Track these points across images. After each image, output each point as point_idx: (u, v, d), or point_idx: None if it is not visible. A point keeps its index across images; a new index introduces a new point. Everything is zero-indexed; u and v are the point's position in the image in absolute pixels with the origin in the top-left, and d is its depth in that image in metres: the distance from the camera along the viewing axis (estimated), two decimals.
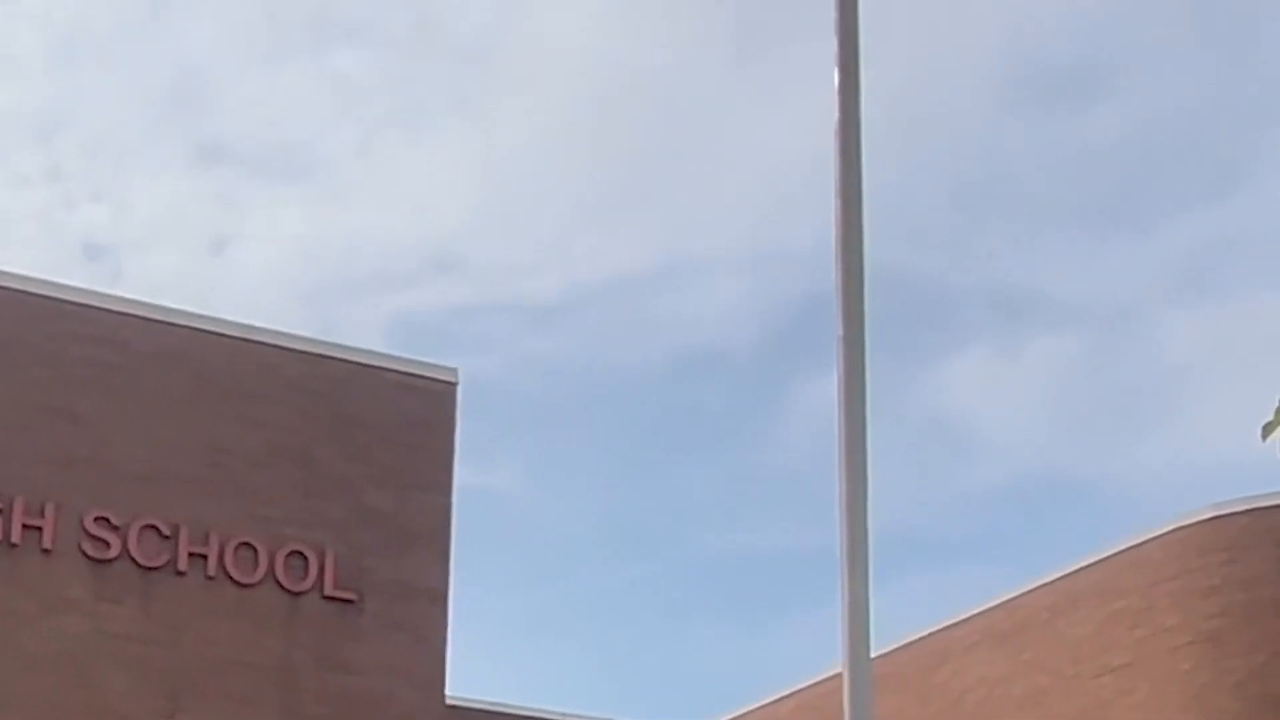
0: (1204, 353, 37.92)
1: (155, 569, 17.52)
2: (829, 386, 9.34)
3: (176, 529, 17.64)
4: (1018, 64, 36.56)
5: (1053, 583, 21.64)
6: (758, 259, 39.06)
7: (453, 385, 19.15)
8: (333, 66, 38.23)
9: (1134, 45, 36.12)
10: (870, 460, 9.22)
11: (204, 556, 17.68)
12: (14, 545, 17.07)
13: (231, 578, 17.75)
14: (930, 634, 23.21)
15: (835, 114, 10.18)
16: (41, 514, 17.21)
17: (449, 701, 18.48)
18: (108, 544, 17.40)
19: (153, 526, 17.59)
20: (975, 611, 22.59)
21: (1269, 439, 6.76)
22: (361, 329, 40.29)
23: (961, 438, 39.21)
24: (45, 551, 17.19)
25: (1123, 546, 20.98)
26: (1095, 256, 37.71)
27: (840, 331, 9.43)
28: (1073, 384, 39.13)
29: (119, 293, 18.58)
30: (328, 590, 18.08)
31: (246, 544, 17.87)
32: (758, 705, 25.25)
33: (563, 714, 19.88)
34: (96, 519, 17.41)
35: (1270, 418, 6.74)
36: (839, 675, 8.84)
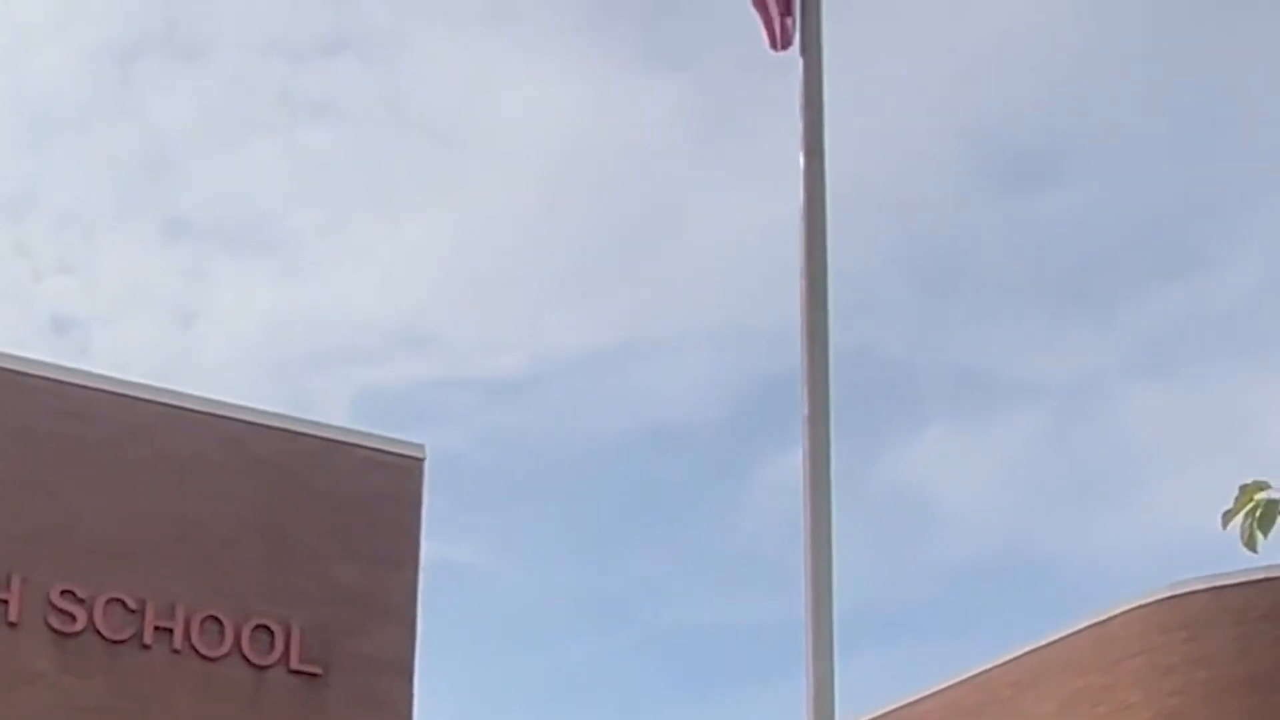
0: (1165, 431, 38.27)
1: (121, 642, 17.58)
2: (793, 462, 9.53)
3: (143, 602, 17.70)
4: (980, 147, 37.04)
5: (1016, 659, 21.81)
6: (722, 335, 39.36)
7: (420, 461, 19.29)
8: (301, 142, 38.52)
9: (1094, 129, 36.63)
10: (835, 536, 9.40)
11: (170, 630, 17.74)
12: None
13: (198, 651, 17.81)
14: (894, 710, 23.34)
15: (800, 196, 10.44)
16: (8, 587, 17.27)
17: None
18: (74, 617, 17.46)
19: (119, 600, 17.65)
20: (939, 688, 22.74)
21: (1229, 526, 6.87)
22: (329, 403, 40.44)
23: (926, 514, 39.44)
24: (11, 624, 17.24)
25: (1085, 624, 21.18)
26: (1057, 335, 38.11)
27: (805, 410, 9.63)
28: (1035, 461, 39.43)
29: (87, 367, 18.74)
30: (294, 664, 18.14)
31: (213, 618, 17.94)
32: None
33: None
34: (63, 592, 17.47)
35: (1230, 505, 6.85)
36: None
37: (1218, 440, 36.36)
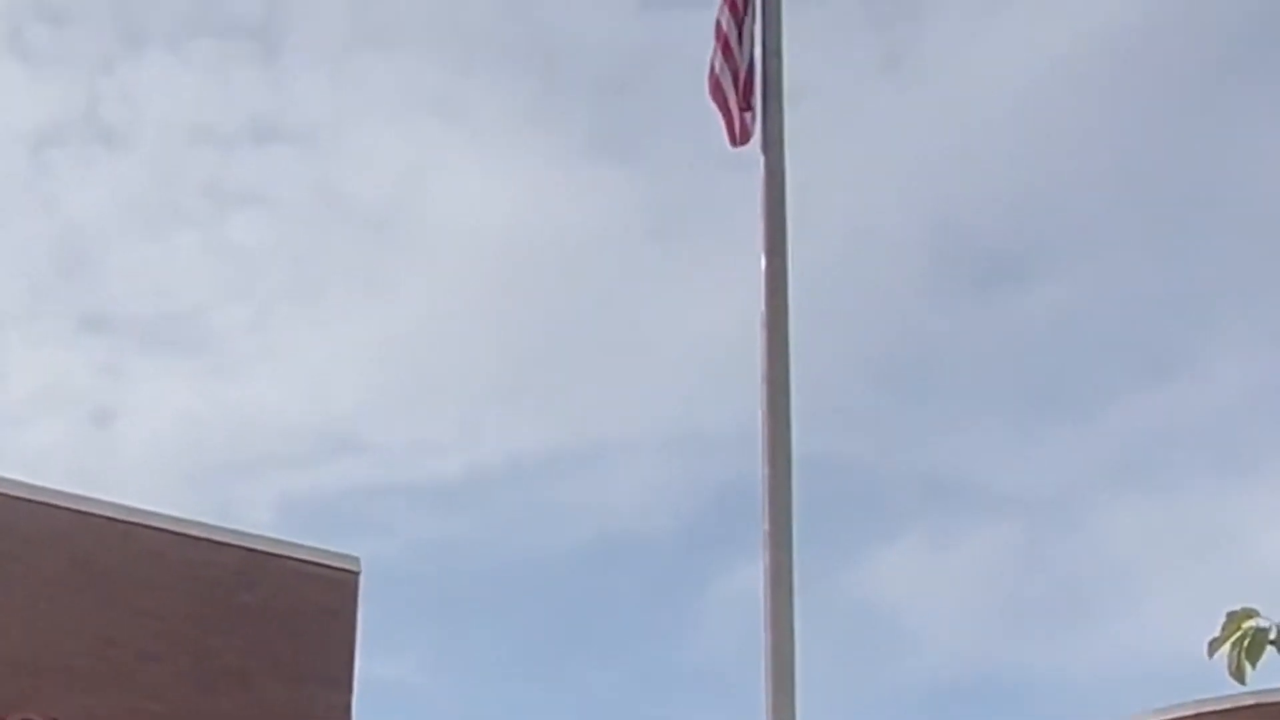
0: (1145, 545, 38.33)
1: None
2: (753, 575, 9.51)
3: None
4: (950, 244, 37.22)
5: None
6: (677, 441, 39.29)
7: (354, 573, 19.15)
8: (226, 235, 38.41)
9: (1067, 229, 36.87)
10: (797, 655, 9.36)
11: None
12: None
13: None
14: None
15: (761, 297, 10.46)
16: None
17: None
18: None
19: None
20: None
21: (1215, 655, 6.81)
22: (254, 511, 40.08)
23: (893, 631, 39.32)
24: None
25: None
26: (1030, 444, 38.19)
27: (766, 523, 9.62)
28: (1008, 576, 39.41)
29: None
30: None
31: None
32: None
33: None
34: None
35: (1216, 630, 6.80)
36: None
37: (1201, 555, 36.45)
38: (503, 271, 37.14)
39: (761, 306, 10.46)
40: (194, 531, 18.77)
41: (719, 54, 11.52)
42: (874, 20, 30.76)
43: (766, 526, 9.58)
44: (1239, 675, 6.74)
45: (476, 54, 35.73)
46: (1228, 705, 20.25)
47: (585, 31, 33.63)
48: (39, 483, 18.45)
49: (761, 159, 11.18)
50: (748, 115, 11.42)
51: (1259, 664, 6.75)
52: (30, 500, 18.23)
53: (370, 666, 20.42)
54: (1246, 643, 6.70)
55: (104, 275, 37.93)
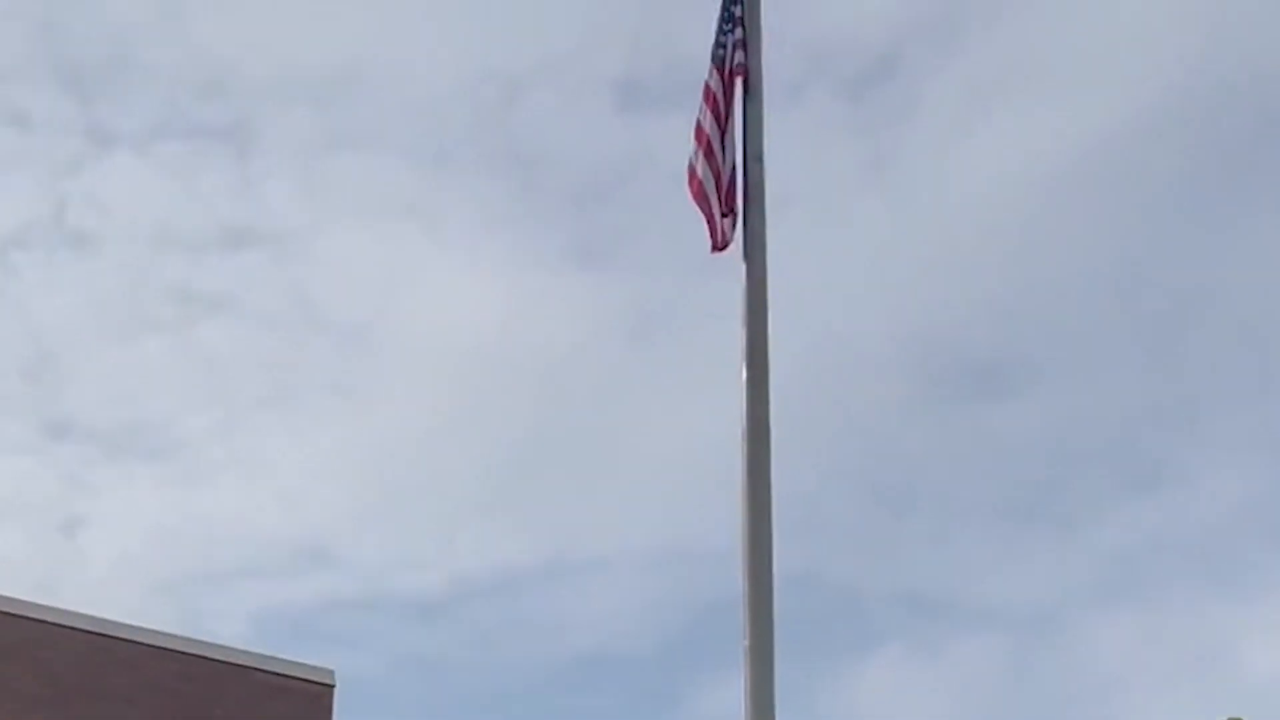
0: (1134, 660, 38.47)
1: None
2: (734, 694, 9.68)
3: None
4: (933, 354, 37.54)
5: None
6: (657, 557, 39.42)
7: (329, 687, 19.25)
8: (197, 341, 38.63)
9: (1052, 338, 37.19)
10: None
11: None
12: None
13: None
14: None
15: (742, 408, 10.67)
16: None
17: None
18: None
19: None
20: None
21: None
22: (225, 623, 40.16)
23: None
24: None
25: None
26: (1015, 557, 38.36)
27: (746, 639, 9.79)
28: (992, 691, 39.50)
29: None
30: None
31: None
32: None
33: None
34: None
35: None
36: None
37: (1189, 669, 36.57)
38: (480, 380, 37.42)
39: (742, 418, 10.63)
40: (165, 644, 18.88)
41: (700, 156, 11.61)
42: (857, 126, 31.26)
43: (747, 642, 9.74)
44: None
45: (452, 158, 36.14)
46: None
47: (562, 136, 34.09)
48: (4, 593, 18.59)
49: (743, 266, 11.29)
50: (727, 221, 11.64)
51: None
52: None
53: None
54: None
55: (71, 381, 38.14)
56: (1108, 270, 35.53)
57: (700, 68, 11.98)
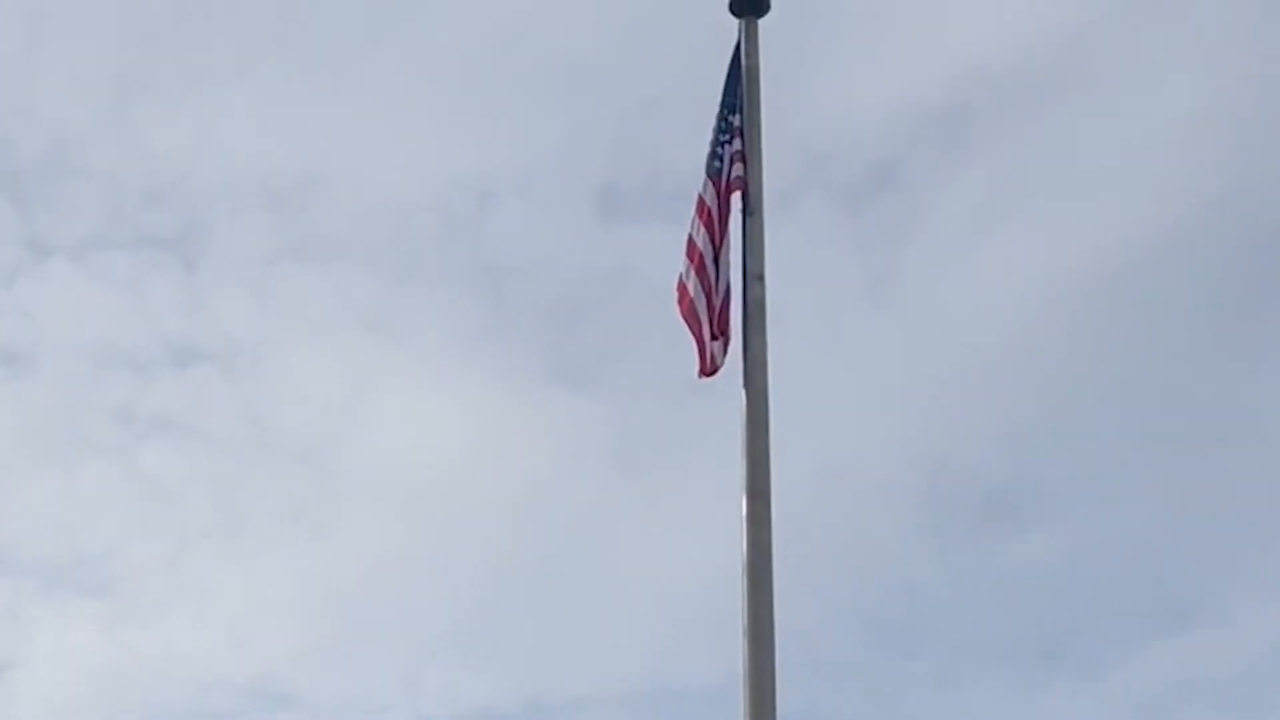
0: None
1: None
2: None
3: None
4: (940, 483, 37.54)
5: None
6: (647, 698, 39.26)
7: None
8: (141, 466, 38.60)
9: (1069, 464, 37.16)
10: None
11: None
12: None
13: None
14: None
15: (743, 543, 10.82)
16: None
17: None
18: None
19: None
20: None
21: None
22: None
23: None
24: None
25: None
26: (1032, 701, 38.24)
27: None
28: None
29: None
30: None
31: None
32: None
33: None
34: None
35: None
36: None
37: None
38: (448, 509, 37.41)
39: (743, 551, 10.74)
40: None
41: (692, 273, 11.64)
42: (857, 238, 31.49)
43: None
44: None
45: (417, 270, 36.19)
46: None
47: (537, 248, 34.21)
48: None
49: (743, 394, 11.34)
50: (717, 345, 11.71)
51: None
52: None
53: None
54: None
55: (3, 510, 38.12)
56: (1127, 392, 35.63)
57: (685, 176, 12.08)
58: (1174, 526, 36.57)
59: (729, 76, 12.35)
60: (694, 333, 11.74)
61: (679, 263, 11.90)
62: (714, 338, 11.61)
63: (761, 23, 12.45)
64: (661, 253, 12.14)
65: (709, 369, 11.62)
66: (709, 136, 12.20)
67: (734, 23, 12.47)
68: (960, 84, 30.67)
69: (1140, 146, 30.99)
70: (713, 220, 11.91)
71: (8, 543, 37.96)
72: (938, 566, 37.15)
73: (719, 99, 12.27)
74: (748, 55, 12.30)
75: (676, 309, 11.73)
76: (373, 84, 34.65)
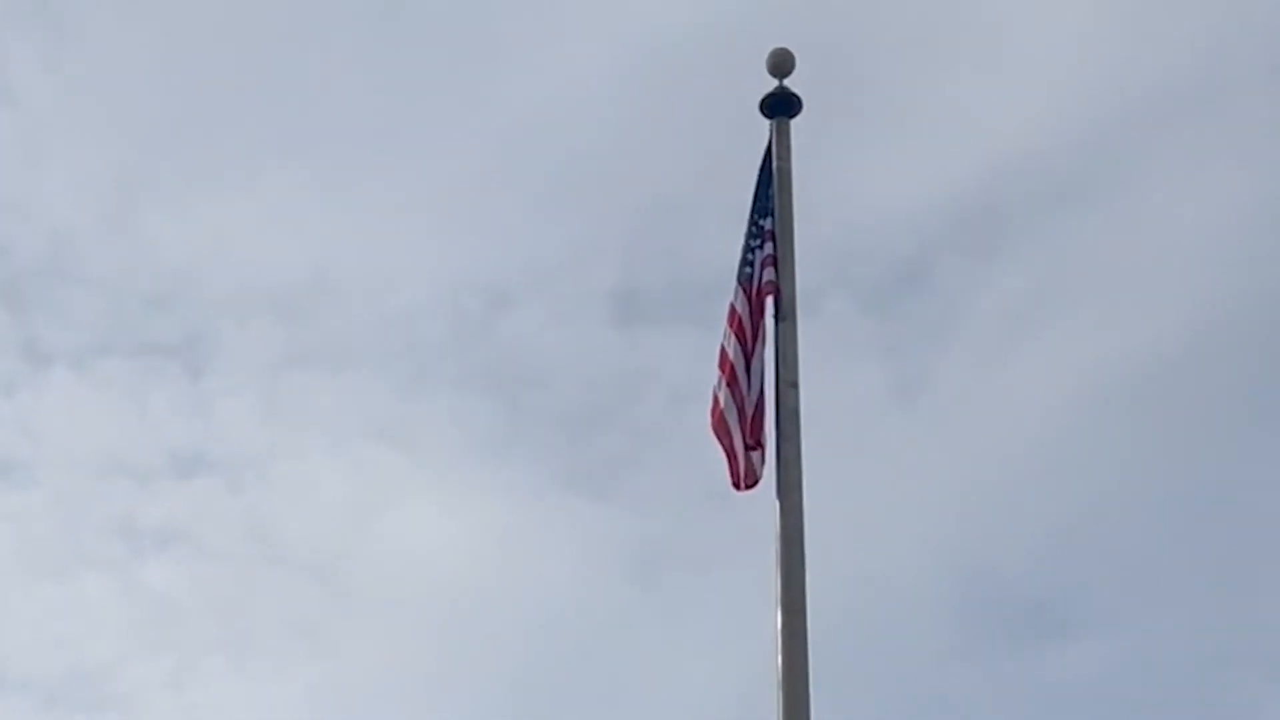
0: None
1: None
2: None
3: None
4: (977, 594, 37.39)
5: None
6: None
7: None
8: (142, 580, 38.60)
9: (1111, 572, 36.95)
10: None
11: None
12: None
13: None
14: None
15: (778, 659, 10.93)
16: None
17: None
18: None
19: None
20: None
21: None
22: None
23: None
24: None
25: None
26: None
27: None
28: None
29: None
30: None
31: None
32: None
33: None
34: None
35: None
36: None
37: None
38: (463, 623, 37.36)
39: (778, 667, 10.79)
40: None
41: (724, 385, 11.74)
42: (885, 341, 31.58)
43: None
44: None
45: (429, 376, 36.24)
46: None
47: (554, 352, 34.27)
48: None
49: (776, 505, 11.40)
50: (756, 455, 11.80)
51: None
52: None
53: None
54: None
55: (1, 626, 38.16)
56: (1169, 497, 35.50)
57: (705, 277, 12.25)
58: (1222, 634, 36.39)
59: (760, 179, 12.46)
60: (724, 446, 11.81)
61: (700, 365, 12.02)
62: (750, 448, 11.67)
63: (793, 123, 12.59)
64: (681, 356, 12.22)
65: (747, 481, 11.69)
66: (735, 239, 12.32)
67: (752, 121, 12.67)
68: (991, 182, 30.78)
69: (1176, 245, 31.11)
70: (744, 328, 11.98)
71: (7, 660, 37.96)
72: (976, 679, 37.02)
73: (749, 203, 12.41)
74: (779, 157, 12.45)
75: (708, 422, 11.81)
76: (382, 185, 34.80)
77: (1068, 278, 32.35)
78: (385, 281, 36.33)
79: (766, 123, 12.66)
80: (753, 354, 11.96)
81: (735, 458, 11.81)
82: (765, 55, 12.74)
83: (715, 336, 12.14)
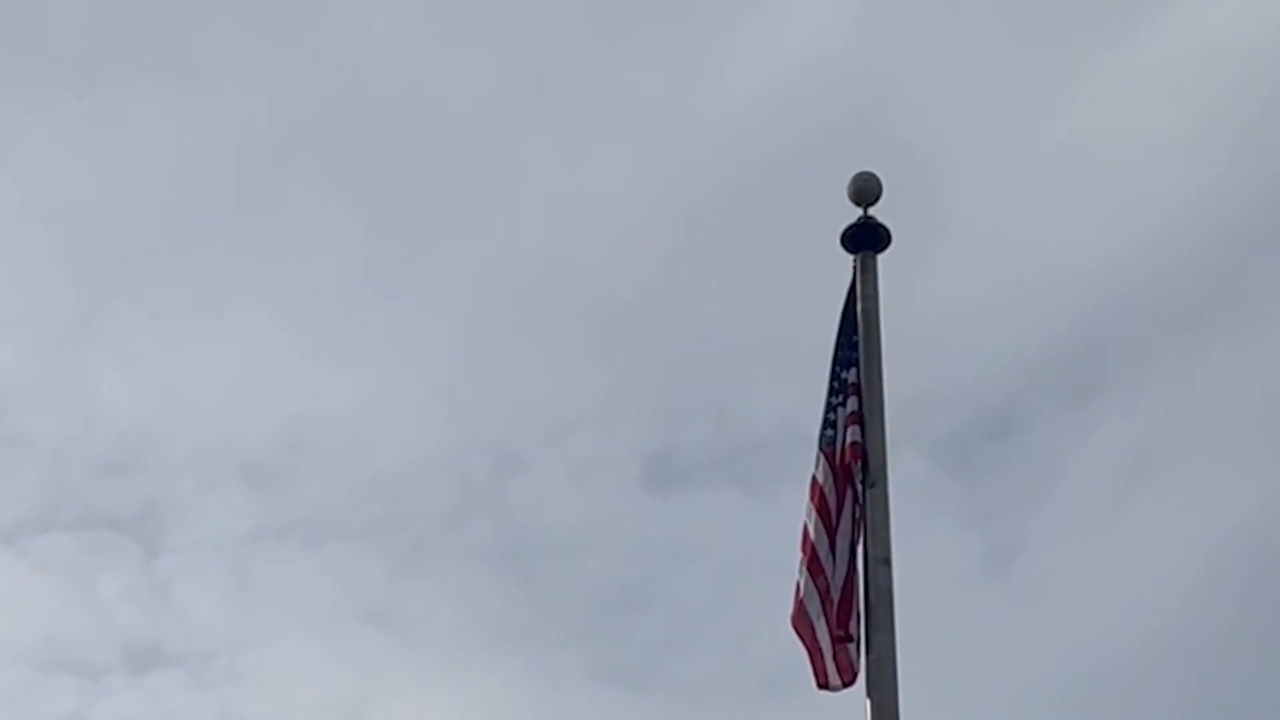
0: None
1: None
2: None
3: None
4: (1057, 682, 37.22)
5: None
6: None
7: None
8: None
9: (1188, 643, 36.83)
10: None
11: None
12: None
13: None
14: None
15: None
16: None
17: None
18: None
19: None
20: None
21: None
22: None
23: None
24: None
25: None
26: None
27: None
28: None
29: None
30: None
31: None
32: None
33: None
34: None
35: None
36: None
37: None
38: None
39: None
40: None
41: (804, 570, 11.90)
42: (971, 504, 31.47)
43: None
44: None
45: (426, 551, 36.01)
46: None
47: (573, 520, 34.05)
48: None
49: (867, 703, 11.57)
50: (850, 647, 11.87)
51: None
52: None
53: None
54: None
55: None
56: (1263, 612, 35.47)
57: (753, 434, 12.29)
58: None
59: (841, 325, 12.45)
60: (804, 641, 11.89)
61: (749, 535, 12.17)
62: (838, 639, 11.74)
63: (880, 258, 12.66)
64: (726, 522, 12.29)
65: (842, 679, 11.78)
66: (788, 390, 12.46)
67: (802, 252, 12.76)
68: (1090, 317, 30.77)
69: None
70: (826, 503, 12.05)
71: None
72: None
73: (803, 347, 12.58)
74: (864, 298, 12.49)
75: (789, 614, 11.90)
76: (368, 328, 34.84)
77: (1185, 423, 32.21)
78: (373, 440, 36.30)
79: (832, 256, 12.81)
80: (837, 530, 12.02)
81: (820, 654, 11.87)
82: (846, 180, 12.76)
83: (765, 502, 12.22)
